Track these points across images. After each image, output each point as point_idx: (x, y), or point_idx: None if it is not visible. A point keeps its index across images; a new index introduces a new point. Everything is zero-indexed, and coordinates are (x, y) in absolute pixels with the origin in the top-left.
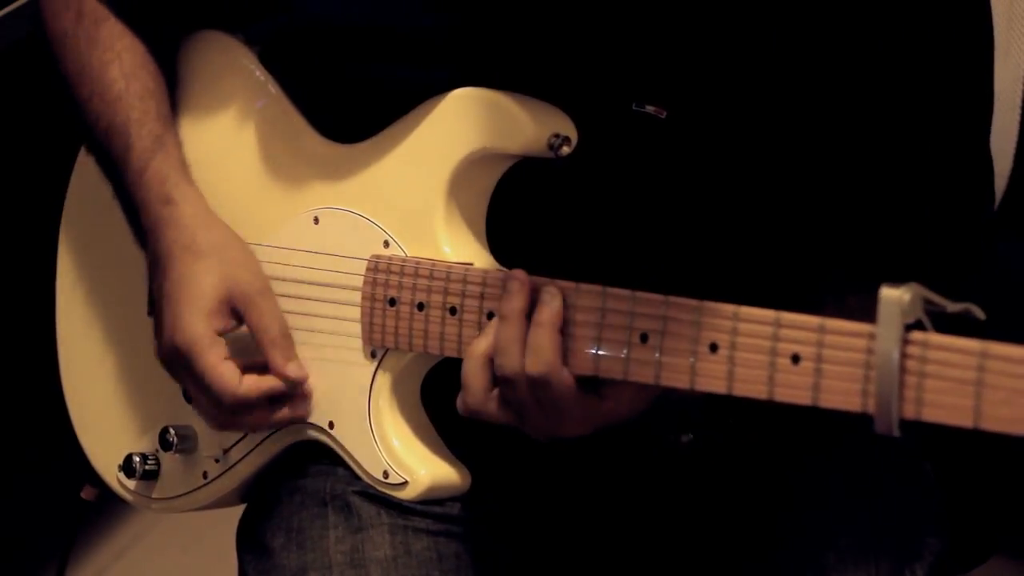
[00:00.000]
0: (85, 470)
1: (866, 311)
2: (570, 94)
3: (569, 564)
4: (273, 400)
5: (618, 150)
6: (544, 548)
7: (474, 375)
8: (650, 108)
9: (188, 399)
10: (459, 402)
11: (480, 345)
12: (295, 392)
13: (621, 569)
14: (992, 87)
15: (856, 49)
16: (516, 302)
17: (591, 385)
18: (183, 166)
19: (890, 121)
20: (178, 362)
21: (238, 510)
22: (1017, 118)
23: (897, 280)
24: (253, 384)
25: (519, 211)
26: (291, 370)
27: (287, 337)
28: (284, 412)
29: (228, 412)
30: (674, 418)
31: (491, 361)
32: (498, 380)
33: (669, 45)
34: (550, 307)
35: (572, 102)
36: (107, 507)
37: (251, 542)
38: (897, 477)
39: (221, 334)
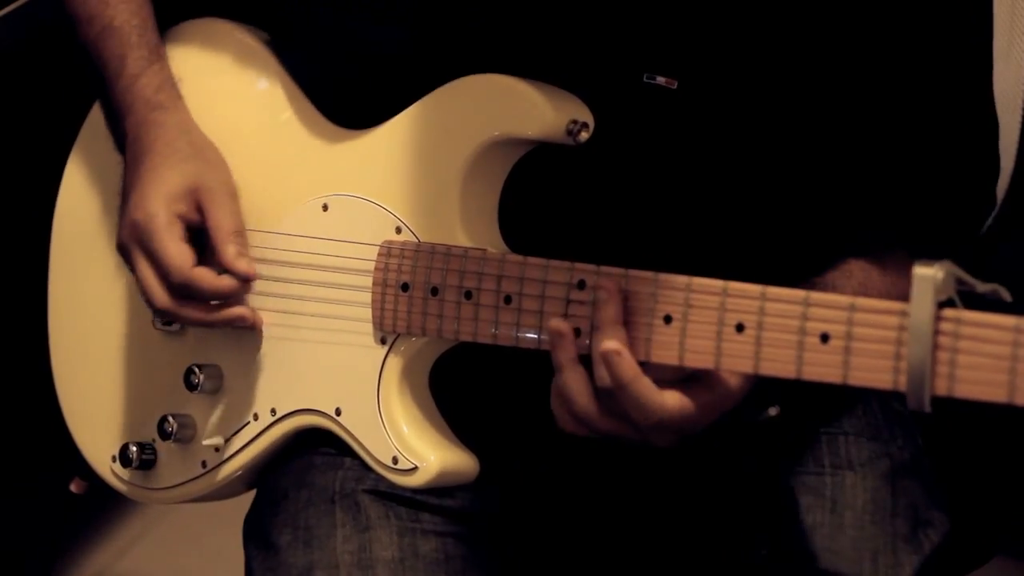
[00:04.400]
0: (74, 462)
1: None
2: (582, 67)
3: (579, 565)
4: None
5: (630, 122)
6: (553, 549)
7: (575, 383)
8: (661, 79)
9: (189, 387)
10: (562, 418)
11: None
12: (242, 295)
13: (630, 569)
14: (991, 45)
15: (865, 12)
16: (610, 310)
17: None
18: (175, 81)
19: (898, 83)
20: (134, 239)
21: (244, 507)
22: (1019, 119)
23: (923, 256)
24: (206, 274)
25: (530, 196)
26: (241, 265)
27: (242, 236)
28: (227, 311)
29: (174, 292)
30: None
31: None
32: (599, 393)
33: (679, 16)
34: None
35: (583, 75)
36: (111, 503)
37: (258, 538)
38: (906, 449)
39: (183, 220)
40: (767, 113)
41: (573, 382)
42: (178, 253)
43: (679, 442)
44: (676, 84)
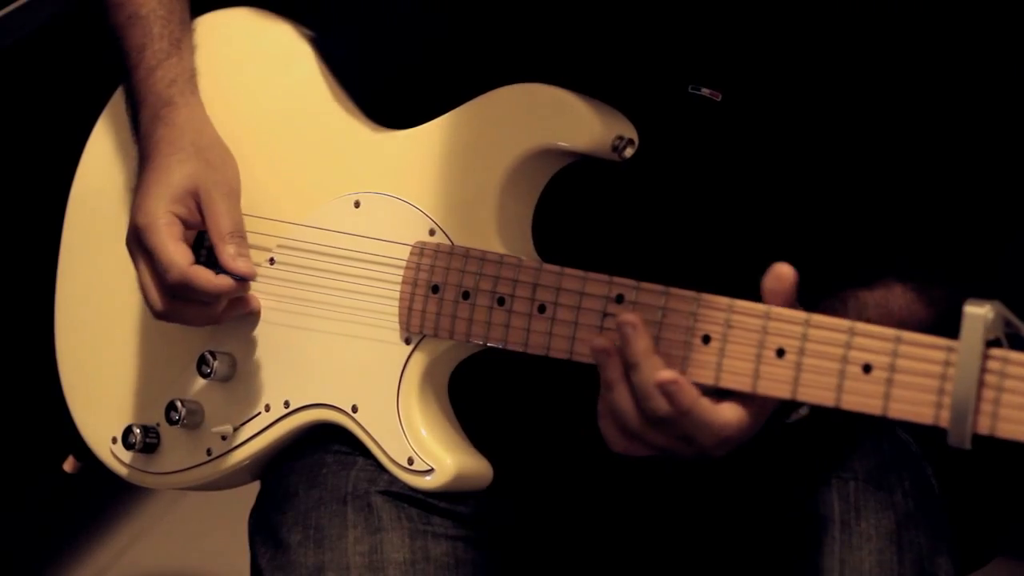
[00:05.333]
0: (70, 442)
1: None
2: (627, 72)
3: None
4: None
5: (672, 132)
6: (564, 557)
7: (626, 399)
8: (706, 91)
9: (202, 373)
10: (613, 437)
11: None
12: (241, 295)
13: None
14: None
15: (911, 30)
16: (641, 343)
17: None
18: (192, 75)
19: (945, 103)
20: (136, 242)
21: (246, 507)
22: None
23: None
24: (204, 272)
25: (563, 206)
26: (239, 264)
27: (240, 236)
28: (226, 309)
29: (171, 292)
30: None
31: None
32: (648, 426)
33: (725, 28)
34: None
35: (629, 80)
36: (111, 502)
37: (266, 534)
38: (910, 496)
39: (183, 220)
40: (810, 129)
41: (624, 399)
42: (175, 252)
43: (732, 449)
44: (720, 96)
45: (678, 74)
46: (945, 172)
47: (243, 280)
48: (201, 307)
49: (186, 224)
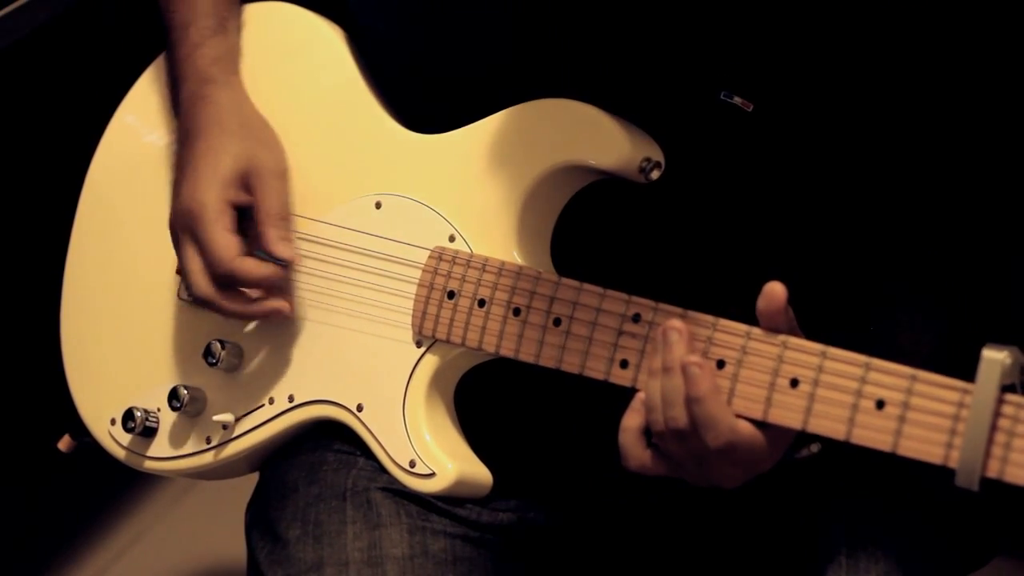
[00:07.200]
0: (67, 420)
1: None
2: (659, 77)
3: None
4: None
5: (700, 140)
6: (562, 557)
7: (632, 444)
8: (737, 100)
9: (208, 362)
10: (632, 449)
11: (635, 417)
12: (281, 287)
13: None
14: None
15: (946, 47)
16: (678, 351)
17: None
18: (235, 55)
19: (977, 122)
20: (184, 226)
21: (244, 509)
22: None
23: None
24: (249, 263)
25: (586, 221)
26: (279, 248)
27: (286, 220)
28: (265, 305)
29: (215, 284)
30: None
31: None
32: (668, 434)
33: (761, 37)
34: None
35: (660, 86)
36: (111, 502)
37: (264, 529)
38: (915, 519)
39: (234, 206)
40: (841, 145)
41: (656, 393)
42: (224, 244)
43: (743, 481)
44: (752, 107)
45: (711, 79)
46: (974, 186)
47: (283, 264)
48: (241, 298)
49: (237, 207)
